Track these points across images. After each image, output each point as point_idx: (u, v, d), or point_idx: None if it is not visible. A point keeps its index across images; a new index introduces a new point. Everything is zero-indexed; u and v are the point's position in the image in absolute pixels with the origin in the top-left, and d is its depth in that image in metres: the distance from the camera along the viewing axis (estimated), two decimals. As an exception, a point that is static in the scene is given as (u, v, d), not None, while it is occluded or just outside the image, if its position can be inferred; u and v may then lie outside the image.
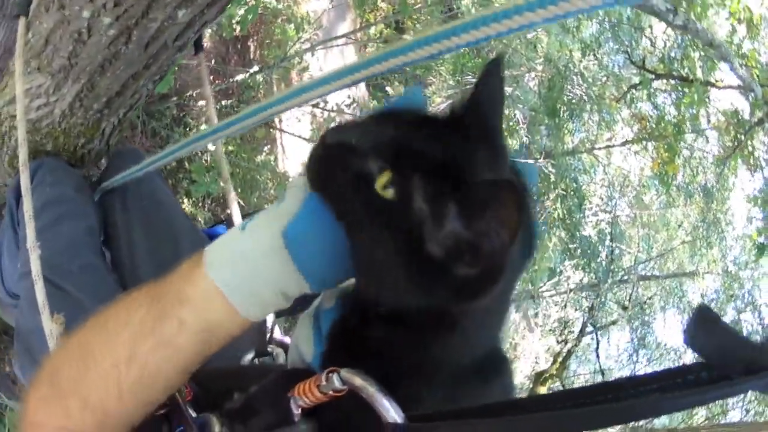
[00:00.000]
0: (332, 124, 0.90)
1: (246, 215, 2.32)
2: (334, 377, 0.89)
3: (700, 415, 9.81)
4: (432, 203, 0.81)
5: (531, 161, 7.62)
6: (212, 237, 2.35)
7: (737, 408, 9.56)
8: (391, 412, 0.85)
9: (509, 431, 0.78)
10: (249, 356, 1.61)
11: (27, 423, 1.07)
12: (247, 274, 0.94)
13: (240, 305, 0.95)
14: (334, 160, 0.87)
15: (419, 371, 0.95)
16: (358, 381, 0.88)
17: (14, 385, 3.83)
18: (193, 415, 1.19)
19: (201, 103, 5.60)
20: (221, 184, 4.82)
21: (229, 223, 2.37)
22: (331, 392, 0.90)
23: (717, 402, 9.75)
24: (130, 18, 1.86)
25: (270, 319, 1.71)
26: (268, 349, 1.64)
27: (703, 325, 0.64)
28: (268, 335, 1.66)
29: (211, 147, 5.35)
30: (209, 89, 2.36)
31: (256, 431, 1.04)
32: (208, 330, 0.98)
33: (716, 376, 0.65)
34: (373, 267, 0.88)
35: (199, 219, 5.35)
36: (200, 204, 5.67)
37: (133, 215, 2.12)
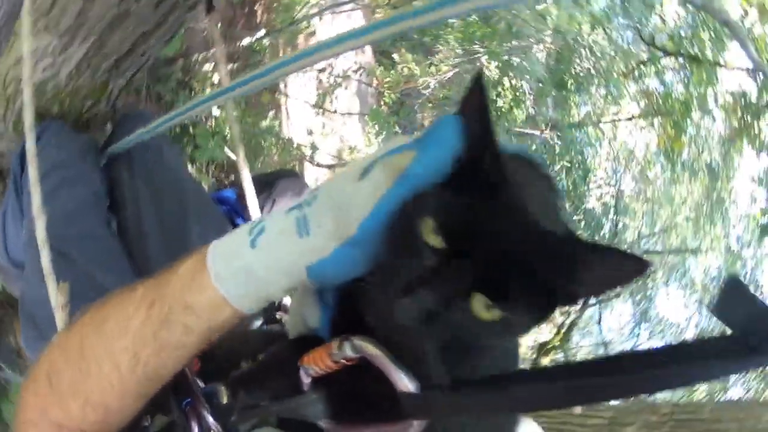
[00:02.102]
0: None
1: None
2: (347, 345, 0.87)
3: (700, 390, 9.85)
4: (536, 304, 0.78)
5: (537, 132, 7.61)
6: (220, 201, 2.34)
7: (738, 386, 9.61)
8: (405, 381, 0.84)
9: (524, 401, 0.78)
10: (257, 323, 1.60)
11: (23, 421, 1.07)
12: (257, 287, 0.92)
13: (248, 308, 0.95)
14: (424, 329, 0.80)
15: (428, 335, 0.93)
16: (371, 349, 0.86)
17: (19, 359, 3.83)
18: (201, 385, 1.19)
19: (207, 66, 5.57)
20: (227, 151, 4.81)
21: (239, 189, 2.35)
22: (342, 360, 0.89)
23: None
24: (141, -25, 1.84)
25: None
26: (277, 316, 1.63)
27: (731, 295, 0.63)
28: (277, 302, 1.64)
29: (216, 112, 5.34)
30: (221, 50, 2.34)
31: (261, 400, 1.04)
32: (213, 329, 0.98)
33: (743, 347, 0.63)
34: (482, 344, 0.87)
35: (204, 185, 5.34)
36: (204, 170, 5.66)
37: (138, 179, 2.09)
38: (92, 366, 1.00)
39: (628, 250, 0.73)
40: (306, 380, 0.96)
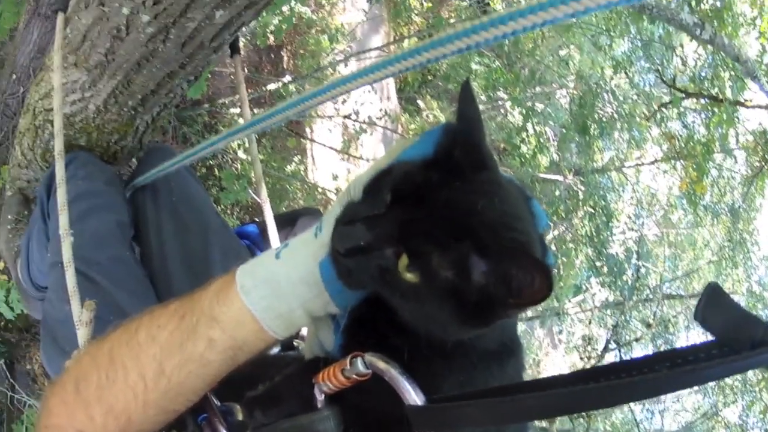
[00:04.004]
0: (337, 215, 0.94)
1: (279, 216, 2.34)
2: (358, 361, 0.91)
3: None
4: (455, 269, 0.83)
5: (560, 178, 7.60)
6: (242, 236, 2.36)
7: (757, 428, 9.50)
8: (413, 394, 0.87)
9: (527, 409, 0.79)
10: (275, 350, 1.62)
11: (45, 425, 1.10)
12: (279, 299, 0.98)
13: (269, 326, 0.99)
14: (356, 268, 0.89)
15: (439, 357, 0.96)
16: (381, 364, 0.89)
17: (34, 383, 3.87)
18: (217, 403, 1.21)
19: (233, 110, 5.65)
20: (251, 192, 4.85)
21: (261, 224, 2.38)
22: (354, 376, 0.92)
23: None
24: (169, 16, 1.88)
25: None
26: (294, 344, 1.65)
27: (713, 302, 0.65)
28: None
29: (242, 155, 5.38)
30: (244, 90, 2.38)
31: (276, 418, 1.06)
32: (236, 347, 1.02)
33: (725, 352, 0.65)
34: (419, 320, 0.90)
35: (228, 226, 5.36)
36: (228, 211, 5.70)
37: (163, 211, 2.13)
38: (119, 373, 1.04)
39: (546, 265, 0.79)
40: (319, 397, 0.99)
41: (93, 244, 1.92)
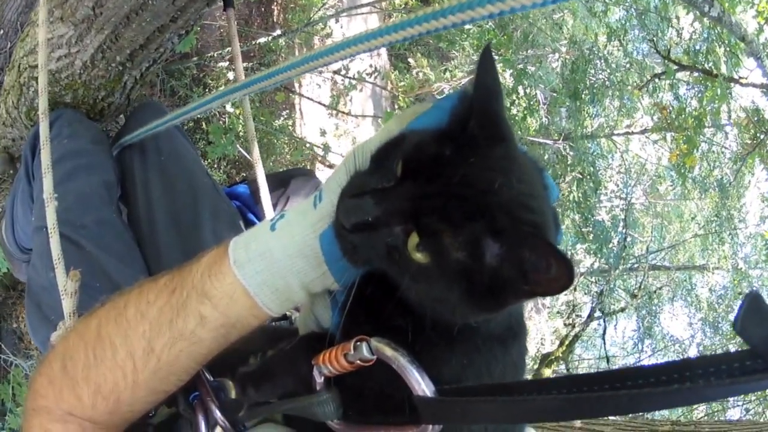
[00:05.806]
0: (341, 204, 0.86)
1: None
2: (363, 346, 0.87)
3: (700, 410, 9.83)
4: (467, 251, 0.79)
5: (549, 142, 7.59)
6: (232, 196, 2.32)
7: (737, 407, 9.60)
8: (422, 384, 0.84)
9: (540, 410, 0.76)
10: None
11: (33, 408, 1.06)
12: (275, 274, 0.94)
13: (264, 303, 0.95)
14: (362, 245, 0.85)
15: (443, 340, 0.92)
16: (389, 351, 0.85)
17: (20, 342, 3.85)
18: (210, 378, 1.18)
19: (221, 64, 5.58)
20: (239, 148, 4.80)
21: (252, 184, 2.33)
22: (358, 361, 0.88)
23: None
24: (161, -33, 1.82)
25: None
26: (287, 314, 1.62)
27: (754, 313, 0.61)
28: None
29: (229, 109, 5.34)
30: (238, 45, 2.32)
31: (270, 396, 1.03)
32: (229, 324, 0.98)
33: (763, 365, 0.61)
34: (427, 302, 0.86)
35: (215, 181, 5.34)
36: (216, 165, 5.66)
37: (151, 171, 2.08)
38: (107, 352, 1.00)
39: (567, 256, 0.74)
40: (319, 380, 0.95)
41: (78, 207, 1.87)
